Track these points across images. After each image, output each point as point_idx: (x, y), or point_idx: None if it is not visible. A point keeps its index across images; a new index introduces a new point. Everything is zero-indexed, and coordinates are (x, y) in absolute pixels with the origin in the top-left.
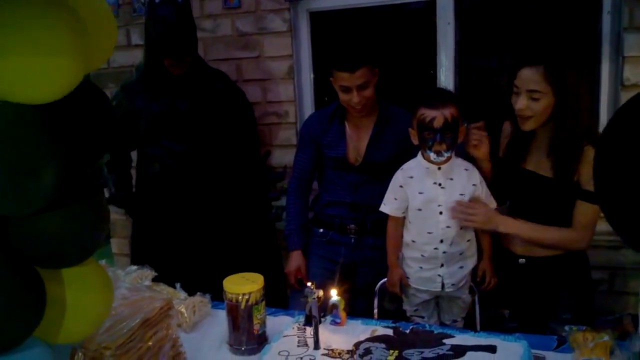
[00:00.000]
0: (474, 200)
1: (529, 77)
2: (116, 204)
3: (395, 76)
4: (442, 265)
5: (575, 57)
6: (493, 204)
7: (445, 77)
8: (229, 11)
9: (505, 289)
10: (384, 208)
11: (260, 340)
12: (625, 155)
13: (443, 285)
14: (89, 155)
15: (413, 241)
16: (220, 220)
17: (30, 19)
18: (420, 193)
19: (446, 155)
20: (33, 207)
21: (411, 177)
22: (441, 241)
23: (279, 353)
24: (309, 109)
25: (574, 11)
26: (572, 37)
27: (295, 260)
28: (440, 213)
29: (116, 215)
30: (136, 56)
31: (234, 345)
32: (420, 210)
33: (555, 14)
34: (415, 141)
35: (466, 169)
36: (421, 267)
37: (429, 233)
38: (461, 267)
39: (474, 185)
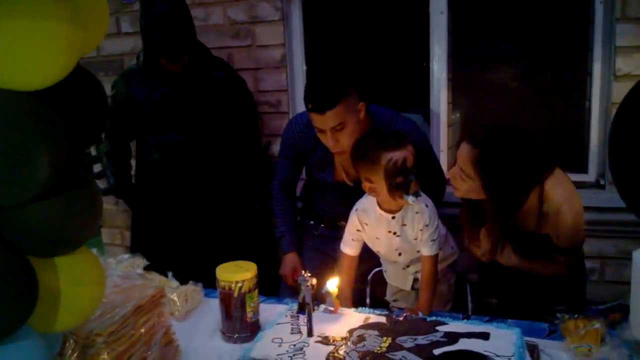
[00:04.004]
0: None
1: (462, 154)
2: (115, 194)
3: (387, 68)
4: (412, 273)
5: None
6: (432, 248)
7: (438, 68)
8: None
9: (494, 279)
10: (345, 249)
11: (254, 328)
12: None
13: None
14: (82, 143)
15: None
16: (218, 209)
17: (23, 3)
18: (377, 238)
19: (421, 193)
20: (25, 196)
21: (366, 224)
22: (408, 266)
23: (272, 340)
24: (301, 98)
25: (566, 0)
26: (563, 25)
27: (291, 262)
28: (400, 254)
29: (107, 205)
30: (126, 44)
31: (227, 333)
32: (379, 251)
33: (547, 2)
34: (378, 192)
35: (417, 212)
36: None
37: (394, 262)
38: None
39: (420, 230)
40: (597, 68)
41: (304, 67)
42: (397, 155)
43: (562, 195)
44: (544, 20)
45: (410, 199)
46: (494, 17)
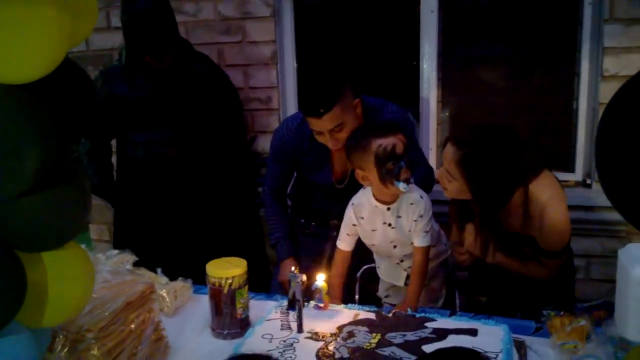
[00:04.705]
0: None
1: (447, 155)
2: (97, 193)
3: (377, 67)
4: (406, 269)
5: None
6: (424, 240)
7: (428, 66)
8: None
9: (483, 278)
10: (340, 245)
11: (243, 325)
12: (626, 135)
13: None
14: (71, 137)
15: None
16: (206, 205)
17: None
18: (373, 230)
19: (412, 181)
20: (14, 191)
21: (362, 218)
22: (401, 260)
23: (262, 336)
24: (292, 95)
25: (555, 1)
26: (552, 26)
27: (289, 268)
28: (395, 247)
29: (95, 201)
30: (116, 39)
31: (217, 330)
32: (374, 245)
33: (537, 3)
34: (371, 181)
35: (412, 203)
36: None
37: (388, 257)
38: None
39: (415, 221)
40: (584, 68)
41: (295, 64)
42: (386, 141)
43: (547, 197)
44: (533, 20)
45: (401, 185)
46: (484, 16)
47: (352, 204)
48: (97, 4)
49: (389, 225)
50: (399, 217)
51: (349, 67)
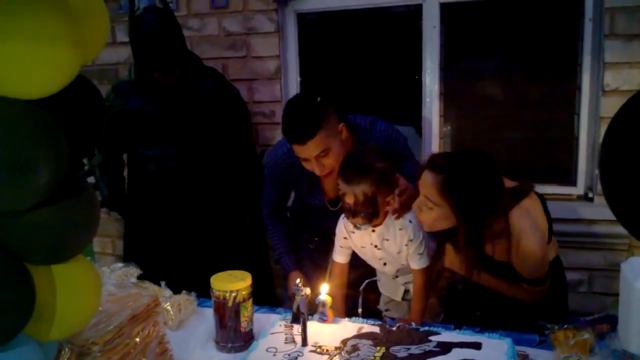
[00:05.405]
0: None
1: (426, 182)
2: (109, 206)
3: (381, 81)
4: (403, 284)
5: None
6: (420, 262)
7: (430, 81)
8: (216, 10)
9: (477, 291)
10: (336, 257)
11: (248, 338)
12: (629, 150)
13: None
14: (82, 151)
15: None
16: (214, 218)
17: (26, 10)
18: (362, 247)
19: (364, 227)
20: (27, 204)
21: (353, 232)
22: (396, 276)
23: (266, 350)
24: None
25: (556, 17)
26: (553, 41)
27: (295, 282)
28: (385, 264)
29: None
30: (121, 54)
31: (221, 343)
32: (367, 260)
33: (538, 18)
34: None
35: (400, 228)
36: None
37: (383, 272)
38: None
39: (405, 245)
40: (586, 83)
41: (298, 79)
42: (342, 187)
43: (523, 227)
44: (534, 35)
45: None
46: (486, 31)
47: (343, 217)
48: (108, 27)
49: (375, 246)
50: (386, 240)
51: (333, 92)
